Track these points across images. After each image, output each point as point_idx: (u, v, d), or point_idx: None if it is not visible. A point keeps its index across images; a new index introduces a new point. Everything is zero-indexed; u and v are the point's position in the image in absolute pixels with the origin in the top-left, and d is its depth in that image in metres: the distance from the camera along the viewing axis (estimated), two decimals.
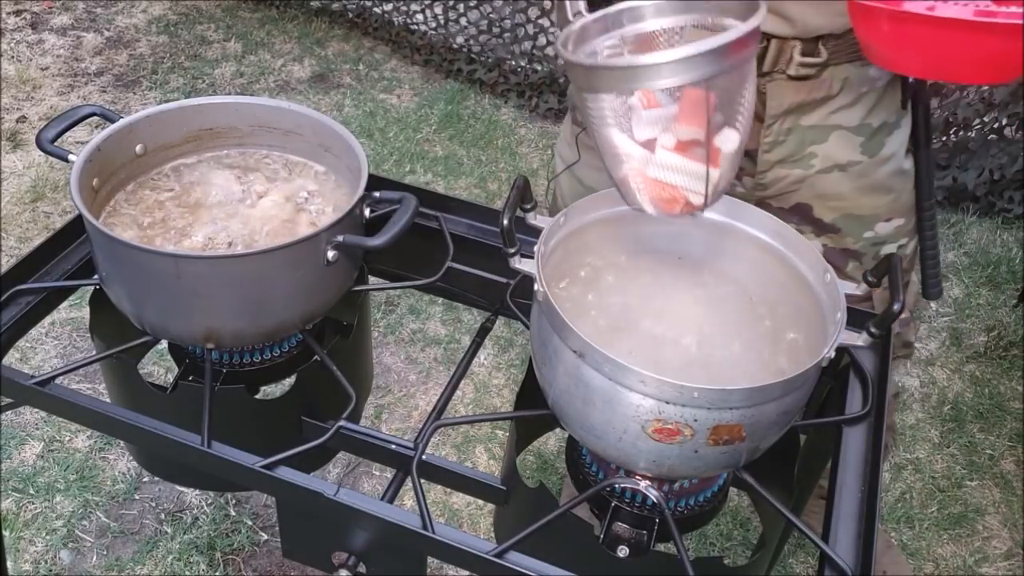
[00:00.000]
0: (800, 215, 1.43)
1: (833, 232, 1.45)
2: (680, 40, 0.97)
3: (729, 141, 0.91)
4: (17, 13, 3.98)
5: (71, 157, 1.16)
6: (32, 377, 1.13)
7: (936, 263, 1.43)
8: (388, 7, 3.80)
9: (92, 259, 1.20)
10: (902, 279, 0.98)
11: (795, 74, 1.29)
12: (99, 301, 1.24)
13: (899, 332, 1.61)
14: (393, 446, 1.12)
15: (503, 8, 3.49)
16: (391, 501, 1.07)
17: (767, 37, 1.26)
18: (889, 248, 1.47)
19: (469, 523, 2.08)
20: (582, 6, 0.97)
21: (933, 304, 2.73)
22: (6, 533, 1.96)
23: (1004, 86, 2.87)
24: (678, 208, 0.94)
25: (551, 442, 2.21)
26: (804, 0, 1.24)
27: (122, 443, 2.05)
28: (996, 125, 2.97)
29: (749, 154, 1.37)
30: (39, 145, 1.21)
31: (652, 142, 0.92)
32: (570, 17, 0.97)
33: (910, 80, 1.31)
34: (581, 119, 1.48)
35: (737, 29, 0.83)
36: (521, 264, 1.00)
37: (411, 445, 1.11)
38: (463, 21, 3.61)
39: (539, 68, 3.49)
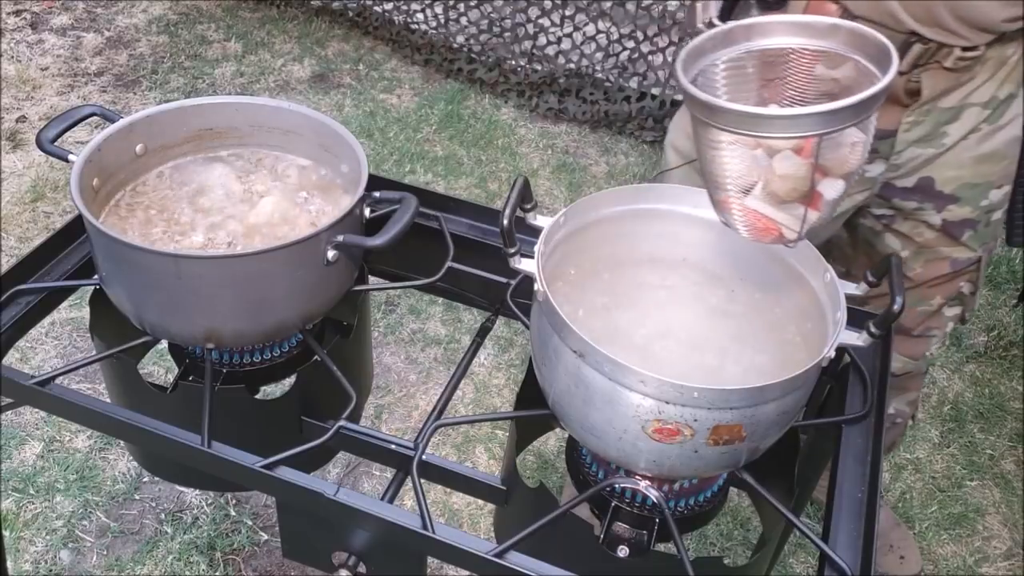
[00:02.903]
0: (922, 192, 1.46)
1: (952, 203, 1.47)
2: (805, 64, 0.95)
3: (833, 189, 0.91)
4: (17, 13, 3.98)
5: (71, 157, 1.16)
6: (32, 377, 1.13)
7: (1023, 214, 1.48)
8: (388, 6, 3.80)
9: (92, 259, 1.20)
10: (899, 276, 0.98)
11: (952, 66, 1.31)
12: (99, 301, 1.24)
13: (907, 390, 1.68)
14: (393, 446, 1.12)
15: (503, 8, 3.49)
16: (391, 501, 1.07)
17: (939, 44, 1.28)
18: (997, 214, 1.50)
19: (469, 523, 2.08)
20: (714, 13, 0.94)
21: None
22: (6, 533, 1.96)
23: None
24: (770, 239, 0.95)
25: (551, 442, 2.21)
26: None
27: (122, 443, 2.05)
28: None
29: (886, 136, 1.39)
30: (39, 145, 1.21)
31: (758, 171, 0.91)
32: (700, 25, 0.94)
33: None
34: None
35: (869, 90, 0.83)
36: (521, 264, 1.00)
37: (411, 445, 1.11)
38: (463, 21, 3.62)
39: (539, 68, 3.49)
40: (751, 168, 0.89)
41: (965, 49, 1.29)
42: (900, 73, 1.30)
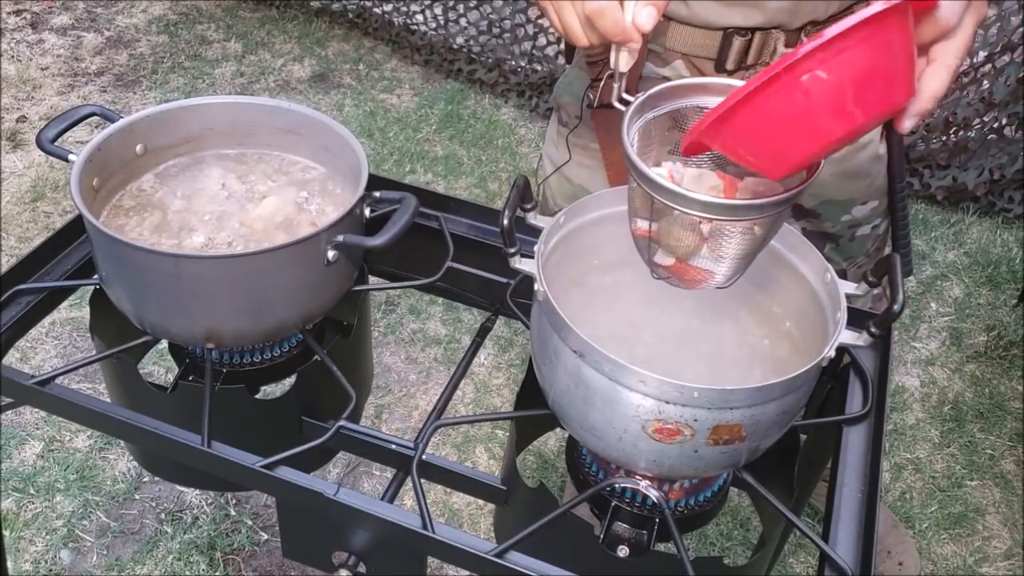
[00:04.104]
0: None
1: (813, 217, 1.48)
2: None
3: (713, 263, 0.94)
4: (17, 13, 3.98)
5: (71, 157, 1.16)
6: (32, 377, 1.13)
7: (907, 241, 1.48)
8: (388, 7, 3.80)
9: (92, 259, 1.20)
10: (899, 276, 0.98)
11: None
12: (99, 301, 1.24)
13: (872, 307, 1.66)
14: (393, 446, 1.12)
15: (503, 8, 3.49)
16: (391, 501, 1.07)
17: (750, 30, 1.26)
18: (864, 229, 1.51)
19: (469, 523, 2.08)
20: (615, 95, 0.95)
21: (933, 304, 2.74)
22: (6, 533, 1.96)
23: (1004, 86, 2.87)
24: (701, 286, 0.96)
25: (551, 442, 2.21)
26: None
27: (122, 443, 2.05)
28: (996, 125, 2.96)
29: None
30: (39, 145, 1.21)
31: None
32: (614, 103, 0.95)
33: None
34: (566, 119, 1.48)
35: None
36: (521, 264, 1.00)
37: (411, 445, 1.11)
38: (463, 21, 3.62)
39: (539, 68, 3.49)
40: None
41: (788, 45, 1.27)
42: (728, 73, 1.30)
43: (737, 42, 1.27)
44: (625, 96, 0.95)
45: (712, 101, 0.96)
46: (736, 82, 0.95)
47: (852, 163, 1.42)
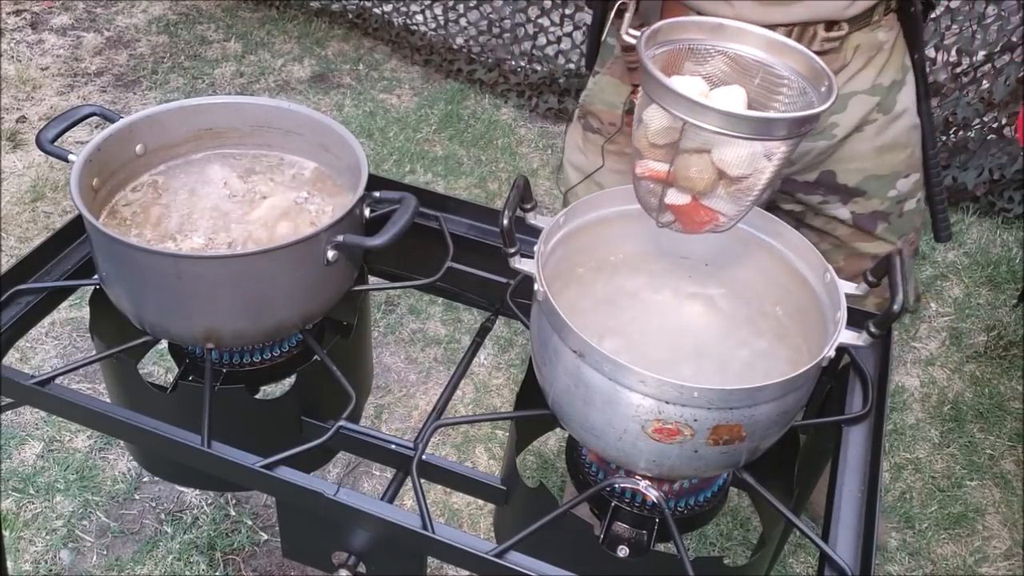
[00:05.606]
0: (825, 185, 1.46)
1: (859, 196, 1.47)
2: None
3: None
4: (17, 13, 3.98)
5: (71, 157, 1.16)
6: (32, 377, 1.13)
7: (944, 208, 1.49)
8: (388, 7, 3.80)
9: (92, 259, 1.20)
10: (899, 276, 0.98)
11: (819, 49, 1.30)
12: (99, 301, 1.24)
13: None
14: (393, 446, 1.12)
15: (503, 8, 3.49)
16: (391, 501, 1.07)
17: (792, 25, 1.27)
18: (911, 203, 1.51)
19: (469, 523, 2.08)
20: (626, 27, 0.97)
21: (933, 304, 2.74)
22: (6, 533, 1.96)
23: (1004, 86, 2.86)
24: (705, 230, 0.97)
25: (551, 442, 2.21)
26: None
27: (122, 443, 2.05)
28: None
29: None
30: (39, 145, 1.21)
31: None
32: (625, 38, 0.97)
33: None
34: (597, 126, 1.48)
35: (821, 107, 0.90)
36: (521, 264, 1.00)
37: (411, 445, 1.11)
38: (463, 21, 3.61)
39: (539, 68, 3.49)
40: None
41: (828, 28, 1.28)
42: None
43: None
44: (631, 31, 0.96)
45: (720, 42, 0.97)
46: (744, 25, 0.96)
47: (890, 133, 1.42)
